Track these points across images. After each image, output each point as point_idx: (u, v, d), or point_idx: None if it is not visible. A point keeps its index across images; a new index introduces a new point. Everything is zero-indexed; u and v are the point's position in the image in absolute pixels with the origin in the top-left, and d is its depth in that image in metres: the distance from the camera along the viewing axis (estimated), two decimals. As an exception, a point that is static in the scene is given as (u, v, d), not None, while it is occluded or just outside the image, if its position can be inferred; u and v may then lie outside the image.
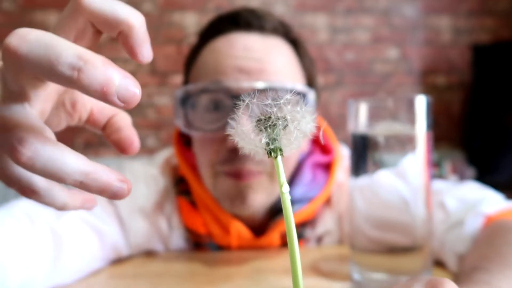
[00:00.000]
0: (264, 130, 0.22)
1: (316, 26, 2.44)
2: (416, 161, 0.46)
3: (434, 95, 2.52)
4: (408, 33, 2.50)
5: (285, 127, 0.22)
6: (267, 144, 0.22)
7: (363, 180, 0.48)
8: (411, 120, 0.46)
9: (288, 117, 0.22)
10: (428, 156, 0.47)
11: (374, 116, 0.47)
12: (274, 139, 0.22)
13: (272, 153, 0.22)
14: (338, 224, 0.67)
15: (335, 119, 2.35)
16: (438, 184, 0.61)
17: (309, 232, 0.65)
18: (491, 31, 2.55)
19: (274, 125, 0.22)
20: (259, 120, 0.22)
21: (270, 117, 0.22)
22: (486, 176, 2.22)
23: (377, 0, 2.47)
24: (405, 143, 0.46)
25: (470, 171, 2.29)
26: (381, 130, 0.46)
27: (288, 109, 0.23)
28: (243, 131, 0.23)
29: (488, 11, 2.54)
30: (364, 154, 0.47)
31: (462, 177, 2.21)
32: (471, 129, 2.41)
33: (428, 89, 2.52)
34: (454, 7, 2.52)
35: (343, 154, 0.69)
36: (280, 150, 0.23)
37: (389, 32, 2.49)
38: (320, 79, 2.43)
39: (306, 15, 2.43)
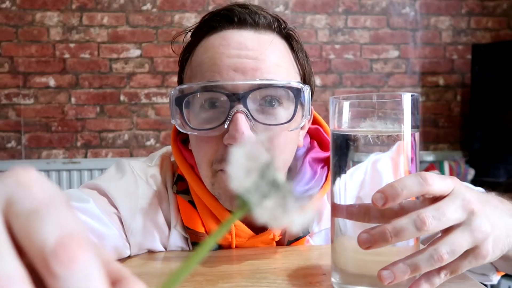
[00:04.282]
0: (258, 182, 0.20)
1: (316, 26, 2.44)
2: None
3: (434, 95, 2.52)
4: (408, 33, 2.50)
5: (270, 195, 0.20)
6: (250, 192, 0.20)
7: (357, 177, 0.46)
8: (398, 119, 0.43)
9: (282, 192, 0.20)
10: (415, 157, 0.44)
11: (358, 114, 0.44)
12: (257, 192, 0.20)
13: (242, 201, 0.20)
14: None
15: (335, 119, 2.34)
16: None
17: (314, 227, 0.65)
18: (491, 31, 2.55)
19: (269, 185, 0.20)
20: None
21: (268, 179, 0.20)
22: (485, 177, 2.22)
23: (377, 0, 2.47)
24: (391, 143, 0.43)
25: (470, 172, 2.29)
26: (365, 130, 0.44)
27: (285, 186, 0.20)
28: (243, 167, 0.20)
29: (488, 11, 2.54)
30: (346, 155, 0.44)
31: (462, 178, 2.21)
32: (471, 130, 2.41)
33: (428, 89, 2.52)
34: (454, 7, 2.52)
35: None
36: (250, 206, 0.20)
37: (389, 32, 2.49)
38: (320, 79, 2.43)
39: (306, 15, 2.43)
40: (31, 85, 2.26)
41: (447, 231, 0.39)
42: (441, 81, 2.53)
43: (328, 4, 2.44)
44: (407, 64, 2.50)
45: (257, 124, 0.55)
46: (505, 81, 2.28)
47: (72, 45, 2.28)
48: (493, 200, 0.44)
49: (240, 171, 0.20)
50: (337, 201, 0.45)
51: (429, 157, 2.47)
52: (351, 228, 0.45)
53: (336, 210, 0.45)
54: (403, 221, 0.38)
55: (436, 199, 0.40)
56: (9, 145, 2.25)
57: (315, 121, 0.71)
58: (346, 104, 0.45)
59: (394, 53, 2.49)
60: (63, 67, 2.27)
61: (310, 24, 2.43)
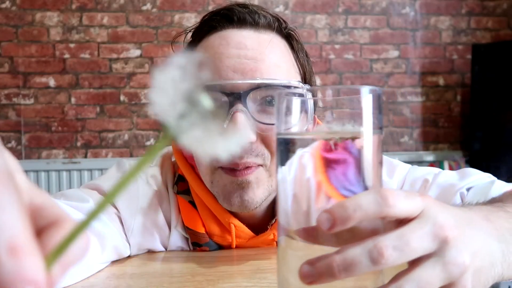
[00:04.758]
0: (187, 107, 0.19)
1: (316, 26, 2.44)
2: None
3: (434, 95, 2.52)
4: (408, 33, 2.50)
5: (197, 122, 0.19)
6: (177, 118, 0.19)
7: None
8: (357, 119, 0.34)
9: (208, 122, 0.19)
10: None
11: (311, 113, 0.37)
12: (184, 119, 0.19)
13: (166, 128, 0.19)
14: None
15: (335, 119, 2.34)
16: (445, 177, 0.65)
17: None
18: (491, 31, 2.55)
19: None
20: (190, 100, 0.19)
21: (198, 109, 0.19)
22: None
23: (377, 0, 2.47)
24: (349, 148, 0.35)
25: (470, 171, 2.29)
26: (319, 133, 0.36)
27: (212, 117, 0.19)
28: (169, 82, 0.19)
29: (488, 11, 2.54)
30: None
31: (462, 177, 2.21)
32: (471, 130, 2.41)
33: (428, 89, 2.52)
34: (454, 7, 2.52)
35: None
36: (174, 132, 0.19)
37: (389, 32, 2.49)
38: (320, 79, 2.43)
39: (306, 15, 2.43)
40: (31, 85, 2.26)
41: (414, 263, 0.32)
42: (441, 81, 2.53)
43: (328, 4, 2.44)
44: (407, 64, 2.50)
45: (256, 123, 0.55)
46: (505, 81, 2.28)
47: (72, 45, 2.27)
48: (477, 219, 0.36)
49: (162, 97, 0.19)
50: (281, 205, 0.36)
51: (429, 157, 2.47)
52: (298, 253, 0.35)
53: (282, 230, 0.36)
54: (356, 252, 0.30)
55: (402, 220, 0.32)
56: (9, 145, 2.25)
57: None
58: (296, 102, 0.36)
59: (394, 53, 2.49)
60: (63, 67, 2.27)
61: (310, 24, 2.43)
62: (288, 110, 0.36)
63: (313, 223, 0.33)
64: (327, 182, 0.35)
